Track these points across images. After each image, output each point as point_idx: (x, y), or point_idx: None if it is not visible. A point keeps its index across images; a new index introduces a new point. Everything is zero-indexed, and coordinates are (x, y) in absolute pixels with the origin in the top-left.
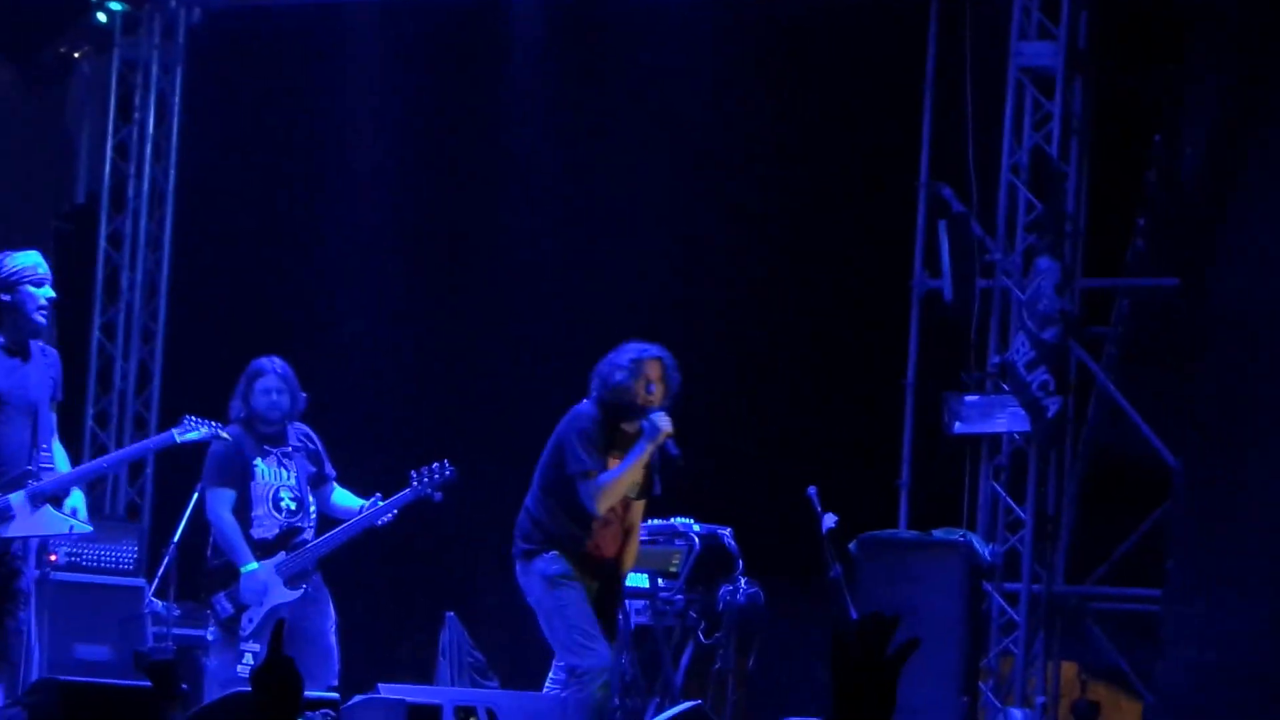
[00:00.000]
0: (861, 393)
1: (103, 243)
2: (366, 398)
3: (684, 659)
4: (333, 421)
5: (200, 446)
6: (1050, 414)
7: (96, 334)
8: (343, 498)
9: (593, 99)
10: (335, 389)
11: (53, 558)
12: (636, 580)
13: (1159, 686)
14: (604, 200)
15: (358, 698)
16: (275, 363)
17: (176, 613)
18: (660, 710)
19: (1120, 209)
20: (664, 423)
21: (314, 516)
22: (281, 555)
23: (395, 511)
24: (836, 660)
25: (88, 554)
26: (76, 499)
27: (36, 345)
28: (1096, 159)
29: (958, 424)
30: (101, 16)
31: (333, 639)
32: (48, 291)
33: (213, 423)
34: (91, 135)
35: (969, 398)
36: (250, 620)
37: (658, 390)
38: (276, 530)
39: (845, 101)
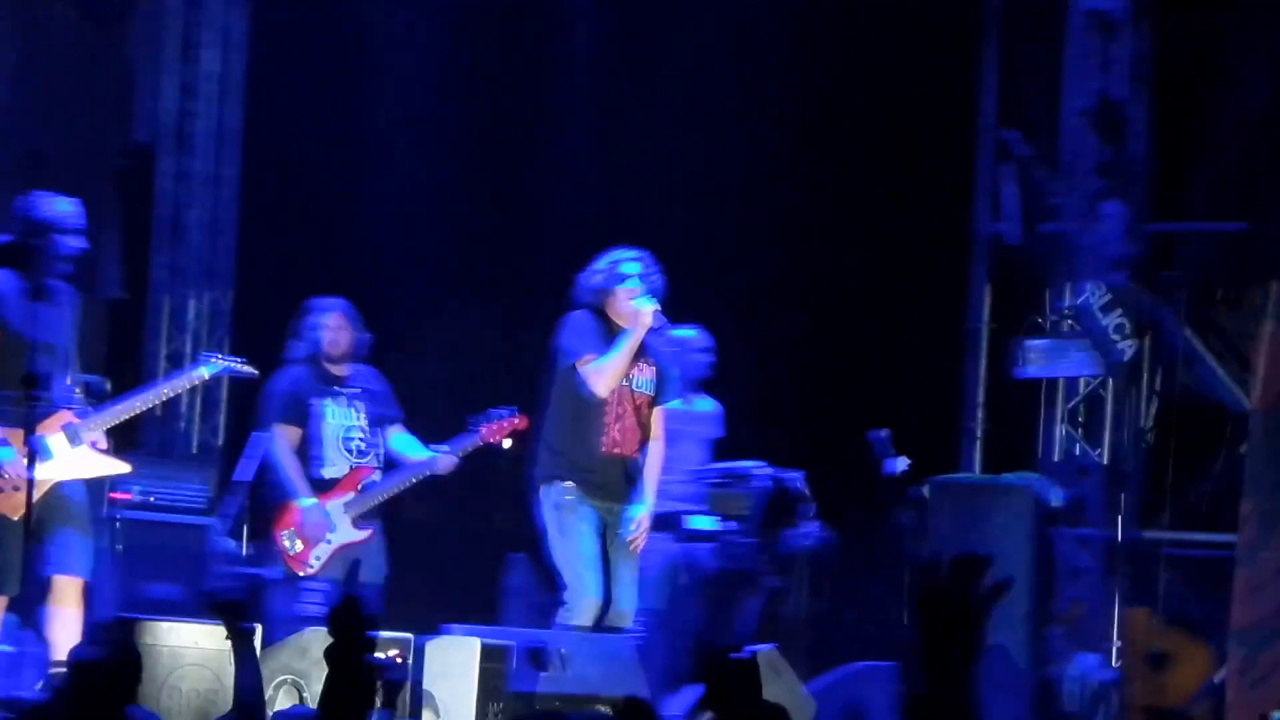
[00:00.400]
0: (932, 337)
1: (167, 181)
2: (428, 340)
3: (754, 604)
4: (392, 365)
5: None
6: (1124, 357)
7: (163, 274)
8: (405, 442)
9: (640, 45)
10: (391, 327)
11: (125, 496)
12: (704, 523)
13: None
14: (656, 142)
15: (427, 637)
16: (334, 301)
17: (248, 552)
18: (728, 654)
19: (1186, 152)
20: (646, 304)
21: (382, 459)
22: (350, 495)
23: (459, 457)
24: (925, 599)
25: (160, 492)
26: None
27: (57, 285)
28: (1162, 102)
29: (1028, 368)
30: None
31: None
32: (80, 242)
33: (237, 358)
34: (155, 71)
35: (1039, 341)
36: (318, 558)
37: (640, 284)
38: (346, 470)
39: (911, 47)
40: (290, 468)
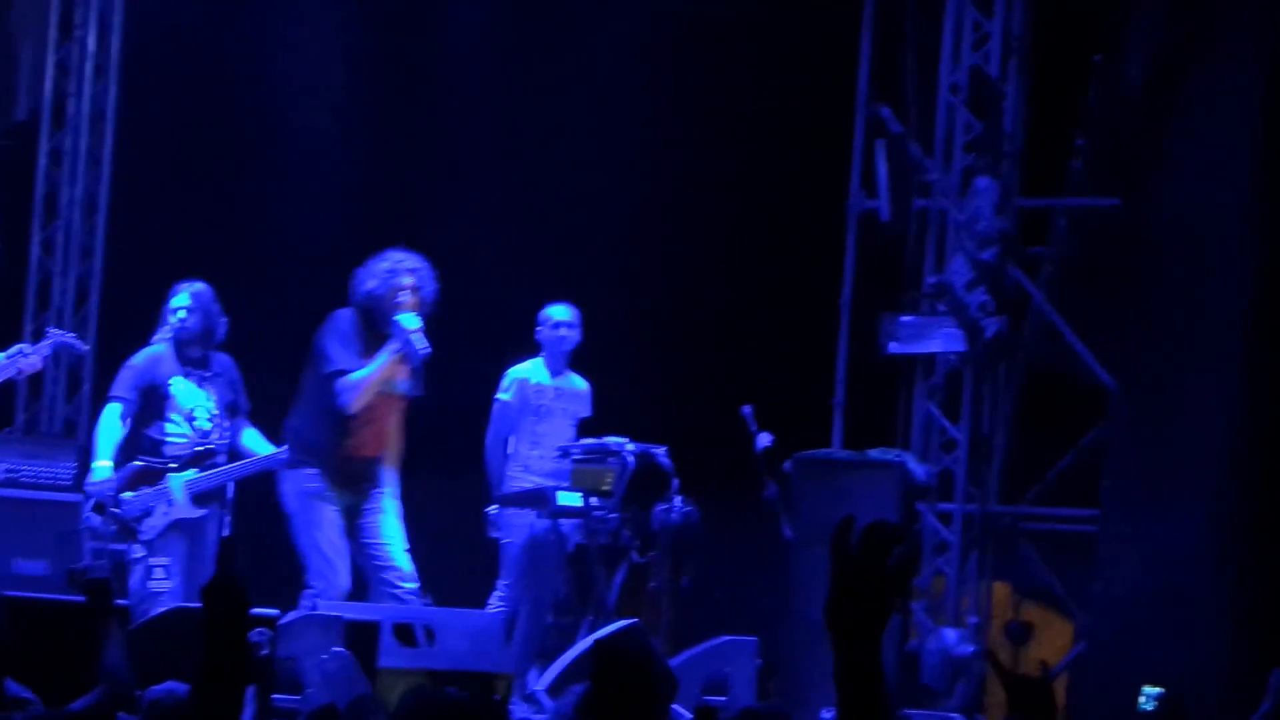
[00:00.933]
0: (798, 312)
1: (43, 160)
2: (305, 323)
3: (618, 579)
4: (263, 349)
5: None
6: (989, 334)
7: (36, 250)
8: (251, 436)
9: (531, 32)
10: (271, 313)
11: None
12: (570, 499)
13: (1095, 607)
14: (545, 122)
15: (294, 613)
16: (192, 285)
17: (113, 529)
18: (594, 629)
19: (1058, 129)
20: (411, 322)
21: (227, 444)
22: (194, 472)
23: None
24: (836, 562)
25: (25, 470)
26: None
27: None
28: (1035, 79)
29: (893, 344)
30: None
31: None
32: None
33: (68, 334)
34: (32, 52)
35: (905, 318)
36: (153, 529)
37: (410, 297)
38: (190, 449)
39: (786, 23)
40: (103, 436)
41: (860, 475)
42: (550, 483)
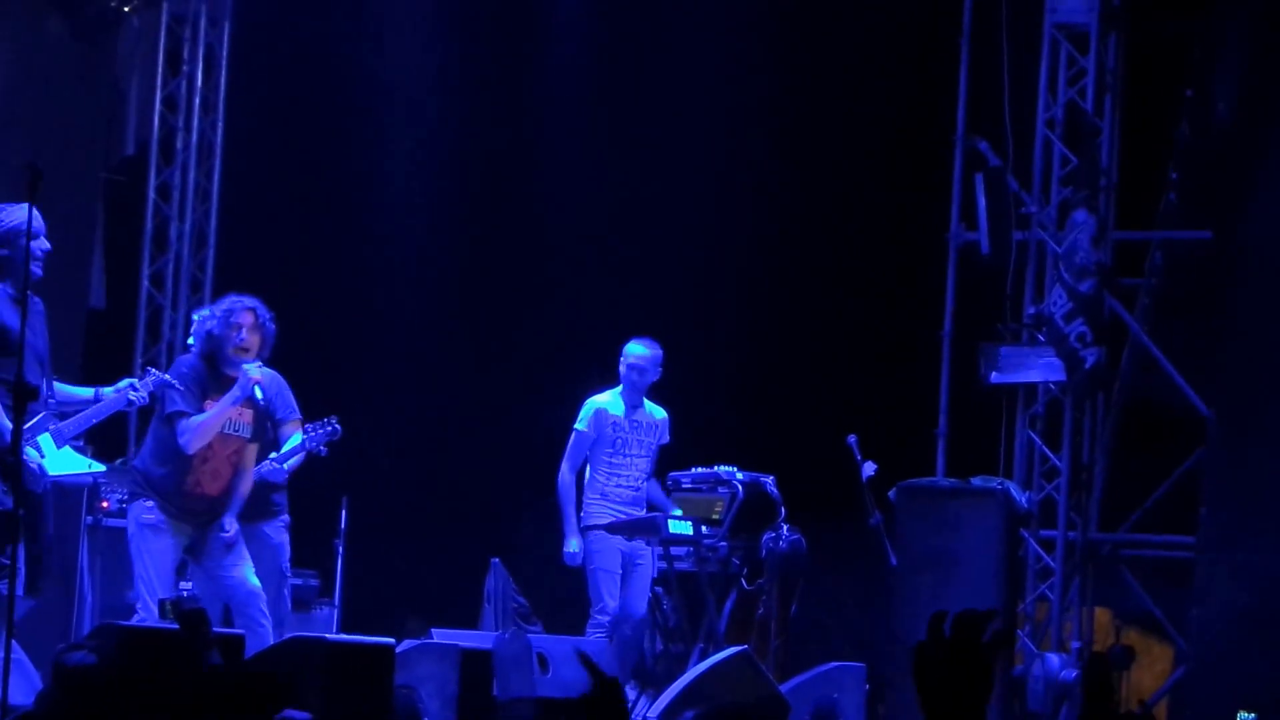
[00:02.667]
0: (901, 343)
1: (151, 194)
2: (408, 350)
3: (727, 605)
4: (369, 374)
5: None
6: (1087, 365)
7: (145, 284)
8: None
9: (627, 65)
10: (376, 338)
11: (104, 505)
12: (681, 527)
13: (1193, 631)
14: (644, 154)
15: (410, 642)
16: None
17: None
18: (705, 656)
19: (1153, 162)
20: (253, 373)
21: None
22: None
23: (288, 464)
24: (921, 672)
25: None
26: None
27: (30, 296)
28: (1130, 113)
29: (994, 374)
30: None
31: None
32: (43, 244)
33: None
34: (141, 88)
35: (1005, 348)
36: None
37: (250, 339)
38: None
39: (884, 58)
40: None
41: (963, 503)
42: (629, 512)
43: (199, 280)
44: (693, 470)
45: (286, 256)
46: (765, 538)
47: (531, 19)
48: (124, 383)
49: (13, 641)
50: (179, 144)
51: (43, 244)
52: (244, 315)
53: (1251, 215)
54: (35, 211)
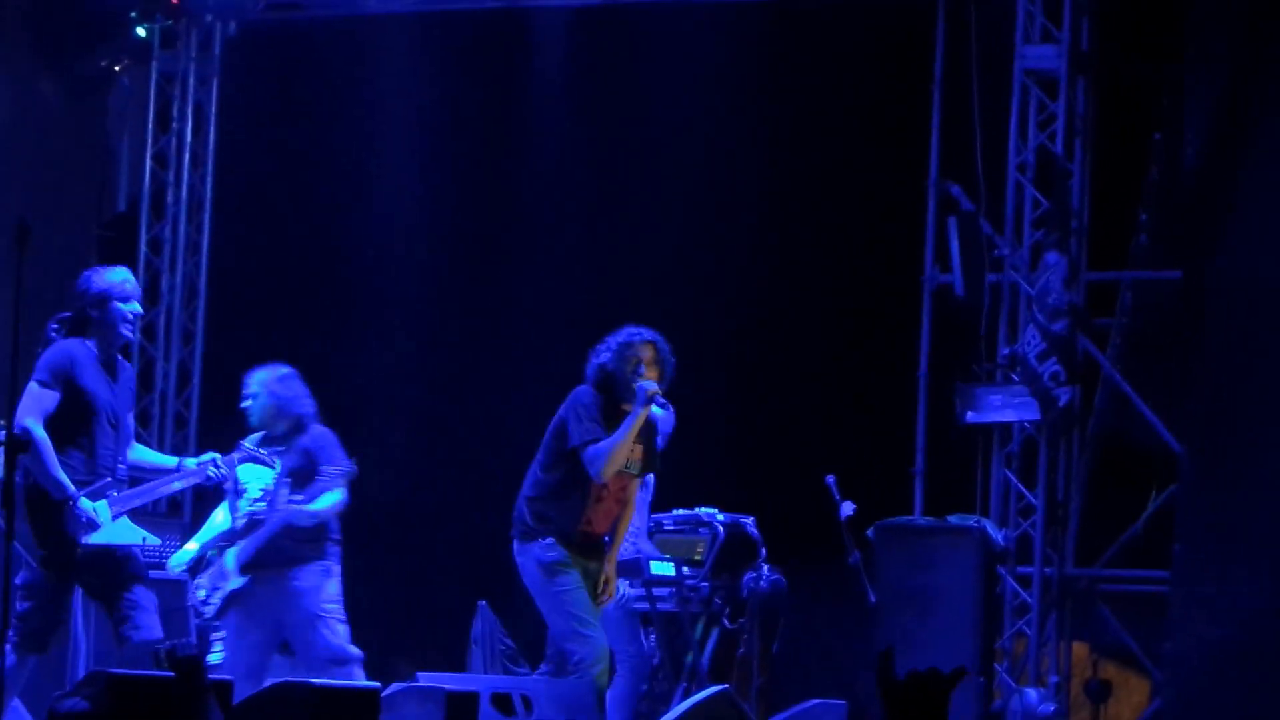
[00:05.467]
0: (877, 384)
1: (143, 248)
2: (395, 397)
3: (709, 645)
4: (361, 421)
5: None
6: (1061, 403)
7: (138, 336)
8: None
9: (610, 105)
10: (365, 387)
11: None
12: (663, 568)
13: (1168, 664)
14: (623, 202)
15: (397, 686)
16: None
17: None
18: (687, 695)
19: (1123, 204)
20: (651, 385)
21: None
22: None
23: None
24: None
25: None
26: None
27: (120, 360)
28: (1100, 156)
29: (970, 413)
30: (141, 31)
31: None
32: (135, 306)
33: (260, 450)
34: (132, 145)
35: (980, 388)
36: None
37: (649, 373)
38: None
39: (857, 103)
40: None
41: (941, 541)
42: (640, 551)
43: (190, 332)
44: (674, 512)
45: (276, 307)
46: (746, 577)
47: (516, 52)
48: (206, 456)
49: (8, 689)
50: (169, 198)
51: (134, 307)
52: (642, 348)
53: (1219, 255)
54: (129, 274)
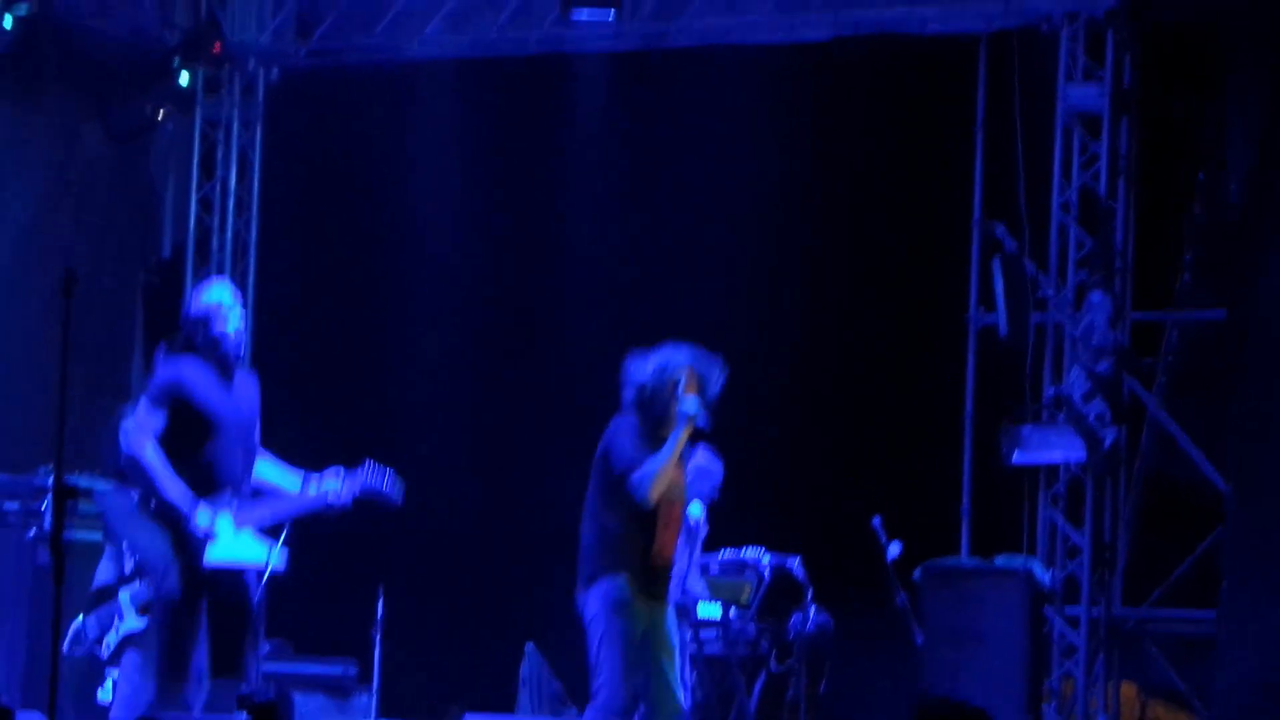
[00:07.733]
0: (922, 424)
1: (189, 292)
2: (445, 443)
3: (757, 687)
4: (401, 463)
5: None
6: (1107, 444)
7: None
8: None
9: (652, 150)
10: (410, 430)
11: None
12: (710, 611)
13: (1217, 701)
14: (667, 247)
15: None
16: None
17: (266, 649)
18: None
19: (1167, 244)
20: (691, 404)
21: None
22: None
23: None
24: None
25: None
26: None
27: (241, 370)
28: (1143, 196)
29: (1016, 454)
30: (184, 78)
31: None
32: (235, 323)
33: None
34: (176, 191)
35: (1026, 429)
36: None
37: (688, 390)
38: None
39: (901, 145)
40: None
41: (987, 582)
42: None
43: None
44: (720, 553)
45: (320, 352)
46: (793, 619)
47: (558, 97)
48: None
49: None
50: (214, 244)
51: (235, 324)
52: (681, 373)
53: (1262, 289)
54: (228, 289)
